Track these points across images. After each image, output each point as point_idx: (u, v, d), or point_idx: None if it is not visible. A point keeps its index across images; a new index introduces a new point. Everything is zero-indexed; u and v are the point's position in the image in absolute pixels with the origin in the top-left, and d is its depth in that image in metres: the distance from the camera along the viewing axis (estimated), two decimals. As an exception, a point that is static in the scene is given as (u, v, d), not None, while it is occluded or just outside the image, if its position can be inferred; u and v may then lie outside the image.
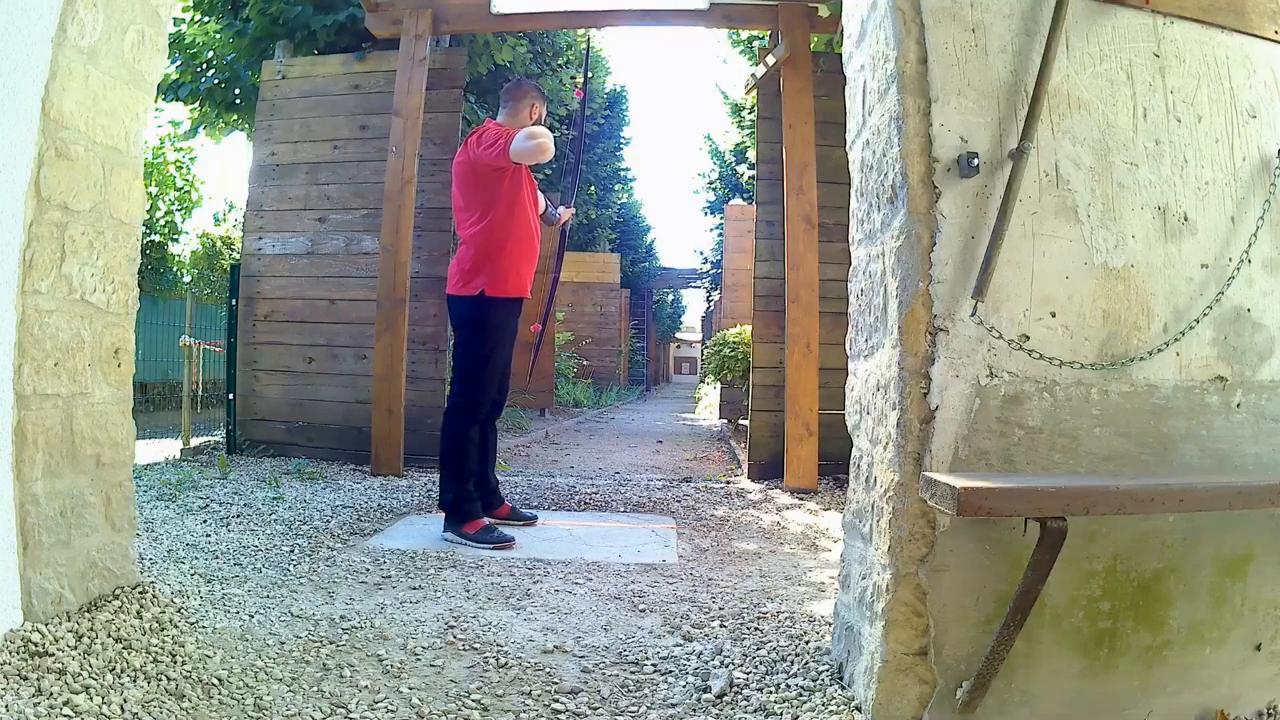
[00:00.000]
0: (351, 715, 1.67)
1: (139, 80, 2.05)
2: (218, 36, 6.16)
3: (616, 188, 18.22)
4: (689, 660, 2.03)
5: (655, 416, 12.88)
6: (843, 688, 1.82)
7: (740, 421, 7.93)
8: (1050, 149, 1.67)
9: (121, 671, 1.68)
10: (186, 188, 12.23)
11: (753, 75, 5.61)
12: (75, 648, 1.70)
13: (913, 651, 1.61)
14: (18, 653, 1.61)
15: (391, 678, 1.86)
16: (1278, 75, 1.82)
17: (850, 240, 2.04)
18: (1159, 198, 1.71)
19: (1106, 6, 1.73)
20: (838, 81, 2.20)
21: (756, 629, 2.27)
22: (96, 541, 1.95)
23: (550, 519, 3.85)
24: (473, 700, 1.77)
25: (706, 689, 1.85)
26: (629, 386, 20.00)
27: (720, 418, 9.90)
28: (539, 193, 3.63)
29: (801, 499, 4.55)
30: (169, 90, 6.23)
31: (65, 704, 1.51)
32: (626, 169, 18.59)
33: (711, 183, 15.56)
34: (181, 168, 12.11)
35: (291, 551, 2.97)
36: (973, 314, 1.60)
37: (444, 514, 3.35)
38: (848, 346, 2.02)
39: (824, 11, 4.89)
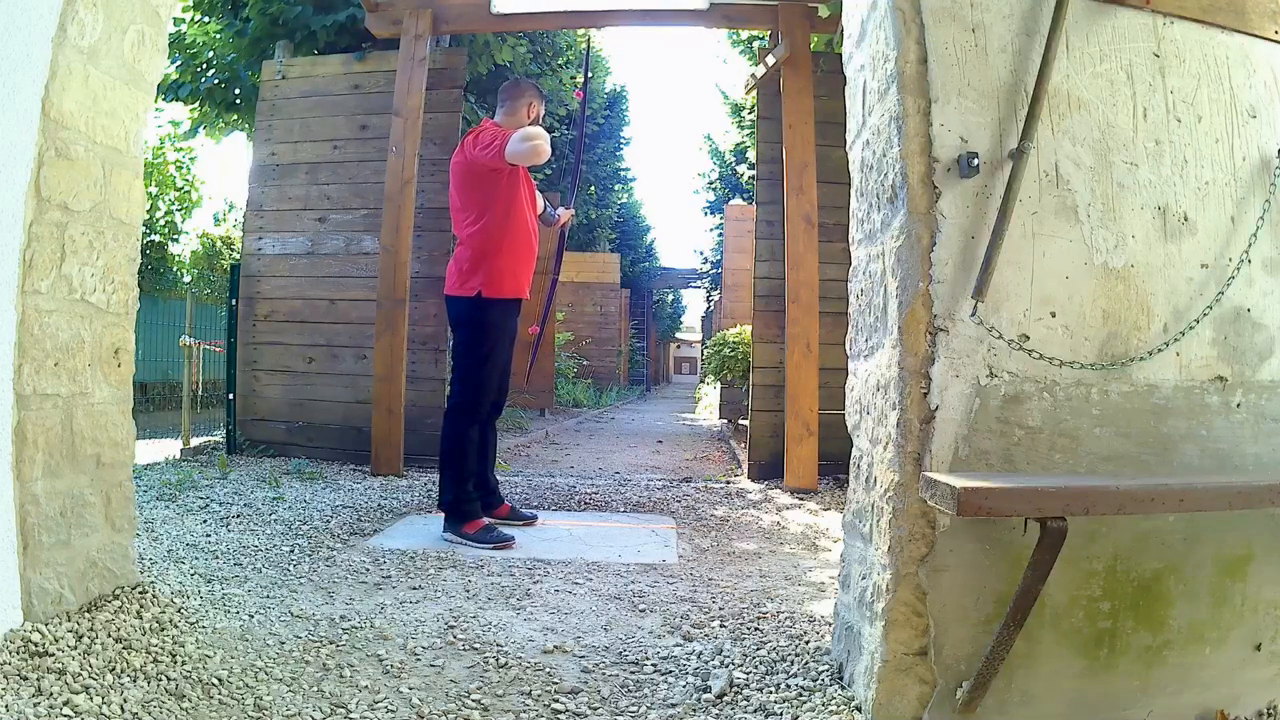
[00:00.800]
0: (351, 715, 1.67)
1: (139, 80, 2.05)
2: (218, 36, 6.16)
3: (616, 188, 18.22)
4: (689, 660, 2.03)
5: (655, 416, 12.88)
6: (843, 688, 1.82)
7: (740, 421, 7.93)
8: (1050, 149, 1.67)
9: (121, 671, 1.68)
10: (186, 188, 12.23)
11: (753, 75, 5.61)
12: (75, 648, 1.70)
13: (913, 651, 1.61)
14: (18, 653, 1.61)
15: (391, 678, 1.86)
16: (1278, 75, 1.82)
17: (850, 240, 2.04)
18: (1159, 198, 1.71)
19: (1106, 6, 1.73)
20: (838, 81, 2.20)
21: (756, 629, 2.27)
22: (96, 541, 1.95)
23: (550, 519, 3.85)
24: (473, 700, 1.77)
25: (706, 689, 1.85)
26: (629, 386, 20.00)
27: (720, 418, 9.90)
28: (538, 193, 3.62)
29: (801, 499, 4.55)
30: (169, 90, 6.23)
31: (65, 704, 1.51)
32: (626, 169, 18.60)
33: (711, 183, 15.56)
34: (181, 168, 12.12)
35: (291, 551, 2.97)
36: (973, 314, 1.60)
37: (444, 514, 3.34)
38: (848, 346, 2.02)
39: (824, 11, 4.89)
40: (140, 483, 3.90)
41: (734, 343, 8.24)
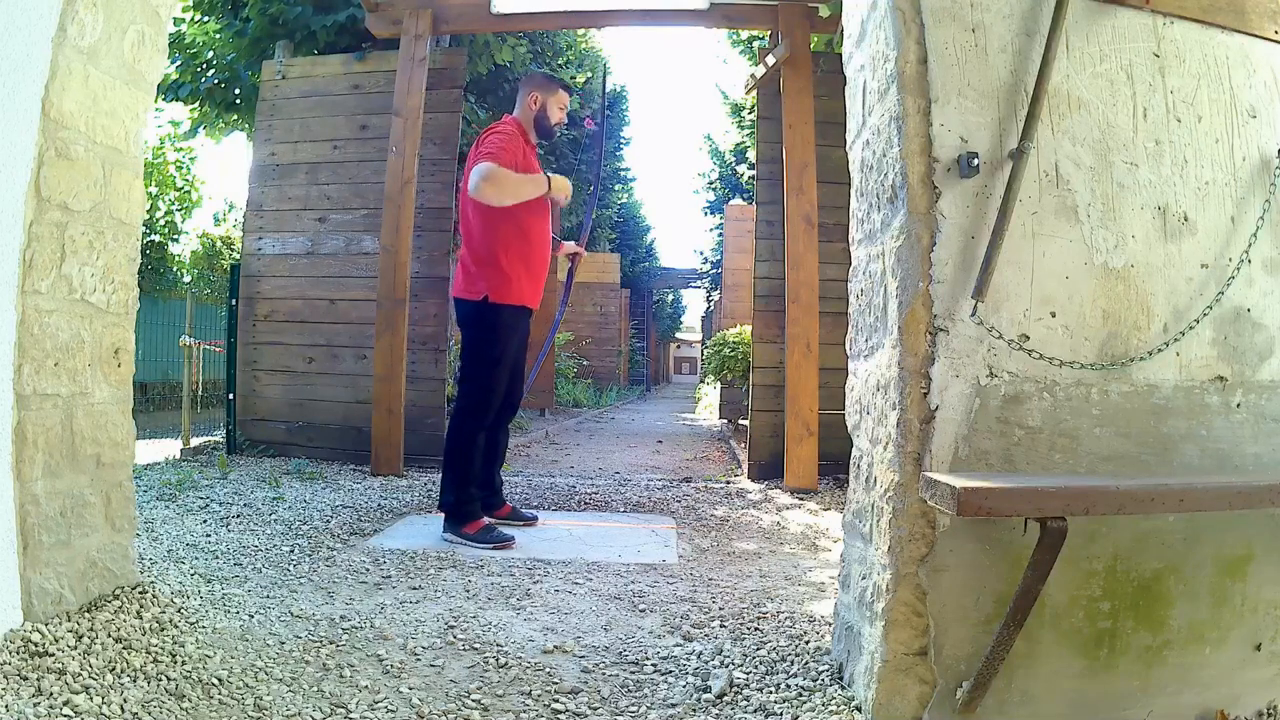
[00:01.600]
0: (351, 715, 1.67)
1: (139, 80, 2.05)
2: (218, 36, 6.16)
3: (616, 188, 18.21)
4: (689, 660, 2.03)
5: (655, 416, 12.88)
6: (843, 688, 1.82)
7: (740, 421, 7.93)
8: (1050, 149, 1.67)
9: (121, 671, 1.68)
10: (186, 188, 12.24)
11: (753, 75, 5.61)
12: (75, 648, 1.70)
13: (913, 651, 1.61)
14: (18, 653, 1.61)
15: (391, 678, 1.86)
16: (1278, 75, 1.82)
17: (850, 240, 2.04)
18: (1159, 198, 1.71)
19: (1106, 6, 1.73)
20: (838, 81, 2.20)
21: (756, 629, 2.27)
22: (96, 541, 1.95)
23: (550, 519, 3.85)
24: (473, 700, 1.77)
25: (706, 689, 1.85)
26: (629, 386, 20.00)
27: (720, 418, 9.90)
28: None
29: (801, 499, 4.55)
30: (169, 90, 6.24)
31: (65, 704, 1.51)
32: (626, 169, 18.59)
33: (711, 183, 15.56)
34: (181, 168, 12.13)
35: (291, 551, 2.97)
36: (973, 314, 1.60)
37: (444, 515, 3.33)
38: (848, 346, 2.02)
39: (824, 11, 4.89)
40: (140, 483, 3.90)
41: (734, 343, 8.24)
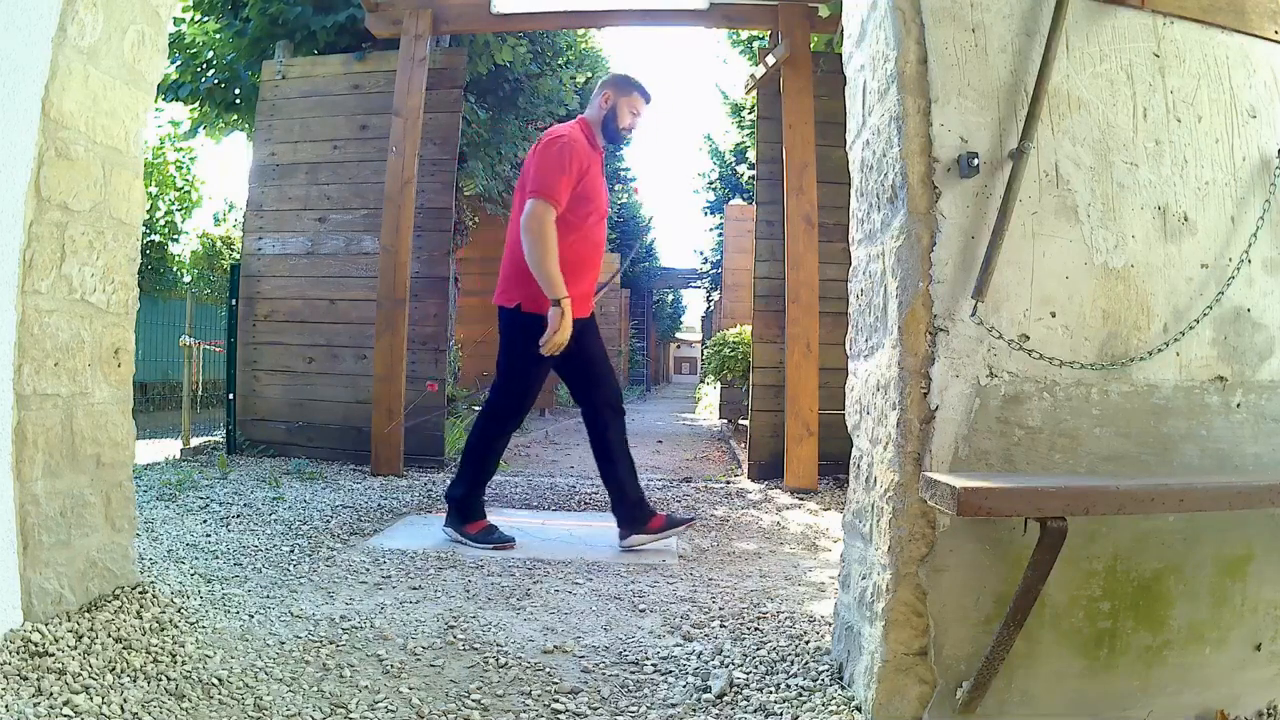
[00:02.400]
0: (351, 715, 1.67)
1: (139, 80, 2.05)
2: (218, 36, 6.16)
3: (616, 187, 18.21)
4: (689, 660, 2.03)
5: (655, 416, 12.88)
6: (843, 688, 1.82)
7: (740, 421, 7.93)
8: (1050, 149, 1.67)
9: (121, 671, 1.68)
10: (186, 188, 12.25)
11: (752, 75, 5.61)
12: (75, 648, 1.70)
13: (913, 651, 1.61)
14: (18, 653, 1.61)
15: (391, 678, 1.86)
16: (1278, 75, 1.82)
17: (850, 240, 2.04)
18: (1159, 198, 1.71)
19: (1106, 6, 1.73)
20: (838, 81, 2.20)
21: (756, 629, 2.27)
22: (96, 541, 1.95)
23: (550, 519, 3.85)
24: (473, 700, 1.77)
25: (706, 689, 1.85)
26: (629, 386, 20.00)
27: (720, 418, 9.90)
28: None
29: (801, 499, 4.55)
30: (169, 90, 6.23)
31: (65, 704, 1.51)
32: (626, 169, 18.58)
33: (711, 183, 15.55)
34: (181, 168, 12.13)
35: (291, 551, 2.97)
36: (973, 314, 1.60)
37: (449, 508, 3.31)
38: (848, 346, 2.02)
39: (824, 11, 4.89)
40: (140, 483, 3.90)
41: (734, 343, 8.24)
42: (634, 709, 1.77)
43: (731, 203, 14.13)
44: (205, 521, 3.34)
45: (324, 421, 5.19)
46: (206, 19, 6.33)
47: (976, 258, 1.62)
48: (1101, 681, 1.62)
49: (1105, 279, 1.67)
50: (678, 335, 39.38)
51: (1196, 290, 1.71)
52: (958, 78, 1.67)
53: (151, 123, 3.94)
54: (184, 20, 6.32)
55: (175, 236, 12.17)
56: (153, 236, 11.22)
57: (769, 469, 5.10)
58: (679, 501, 4.36)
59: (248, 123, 6.30)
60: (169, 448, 5.50)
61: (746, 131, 11.05)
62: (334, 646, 2.01)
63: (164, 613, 1.99)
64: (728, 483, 5.10)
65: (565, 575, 2.82)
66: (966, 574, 1.59)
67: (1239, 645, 1.67)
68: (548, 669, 1.96)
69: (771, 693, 1.82)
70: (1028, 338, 1.63)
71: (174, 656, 1.81)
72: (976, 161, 1.63)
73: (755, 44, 7.37)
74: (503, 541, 3.19)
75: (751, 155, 9.12)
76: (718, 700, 1.79)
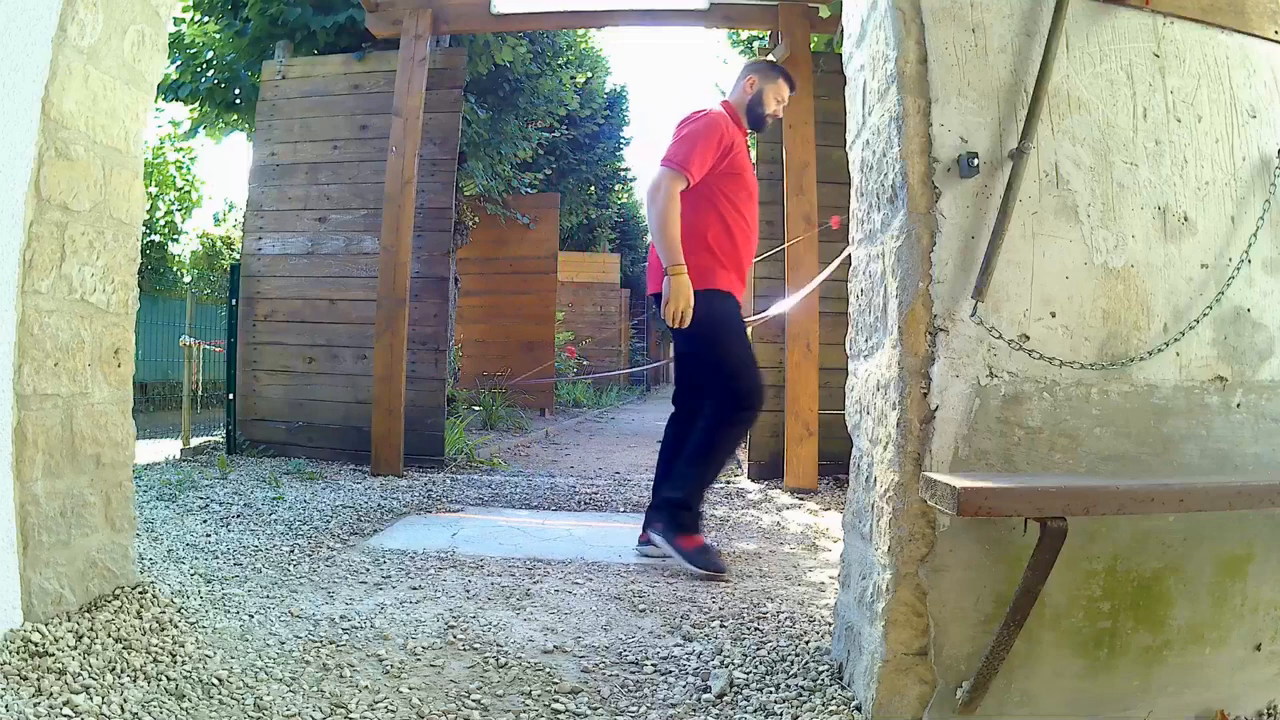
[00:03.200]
0: (351, 715, 1.67)
1: (139, 80, 2.05)
2: (218, 36, 6.16)
3: (616, 188, 18.21)
4: (689, 660, 2.03)
5: (655, 416, 12.86)
6: (843, 688, 1.82)
7: (740, 421, 7.91)
8: (1050, 149, 1.67)
9: (121, 671, 1.68)
10: (186, 188, 12.26)
11: (753, 75, 5.60)
12: (75, 648, 1.70)
13: (913, 651, 1.61)
14: (18, 653, 1.61)
15: (391, 678, 1.86)
16: (1278, 75, 1.82)
17: (850, 240, 2.04)
18: (1159, 198, 1.71)
19: (1107, 6, 1.73)
20: (838, 81, 2.20)
21: (756, 629, 2.27)
22: (96, 541, 1.95)
23: (550, 519, 3.85)
24: (473, 700, 1.77)
25: (706, 689, 1.85)
26: (629, 386, 19.98)
27: (720, 418, 9.87)
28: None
29: (801, 499, 4.55)
30: (169, 90, 6.23)
31: (65, 704, 1.51)
32: (626, 169, 18.58)
33: (711, 183, 15.52)
34: (181, 168, 12.14)
35: (291, 551, 2.97)
36: (973, 314, 1.60)
37: (663, 515, 2.97)
38: (848, 346, 2.02)
39: (824, 11, 4.89)
40: (140, 483, 3.90)
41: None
42: (634, 709, 1.77)
43: (731, 203, 14.09)
44: (205, 521, 3.34)
45: (324, 421, 5.19)
46: (206, 19, 6.33)
47: (976, 258, 1.62)
48: (1101, 681, 1.62)
49: (1105, 279, 1.67)
50: (678, 335, 39.27)
51: (1196, 290, 1.71)
52: (958, 78, 1.67)
53: (151, 123, 3.94)
54: (184, 20, 6.32)
55: (175, 236, 12.18)
56: (153, 236, 11.22)
57: (769, 469, 5.10)
58: (679, 501, 4.36)
59: (248, 123, 6.30)
60: (169, 448, 5.50)
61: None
62: (334, 646, 2.01)
63: (164, 613, 1.99)
64: (728, 483, 5.10)
65: (565, 575, 2.82)
66: (966, 574, 1.59)
67: (1239, 645, 1.67)
68: (548, 669, 1.96)
69: (771, 693, 1.82)
70: (1028, 338, 1.63)
71: (174, 656, 1.81)
72: (976, 161, 1.63)
73: (755, 44, 7.37)
74: (716, 569, 2.83)
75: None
76: (718, 700, 1.79)
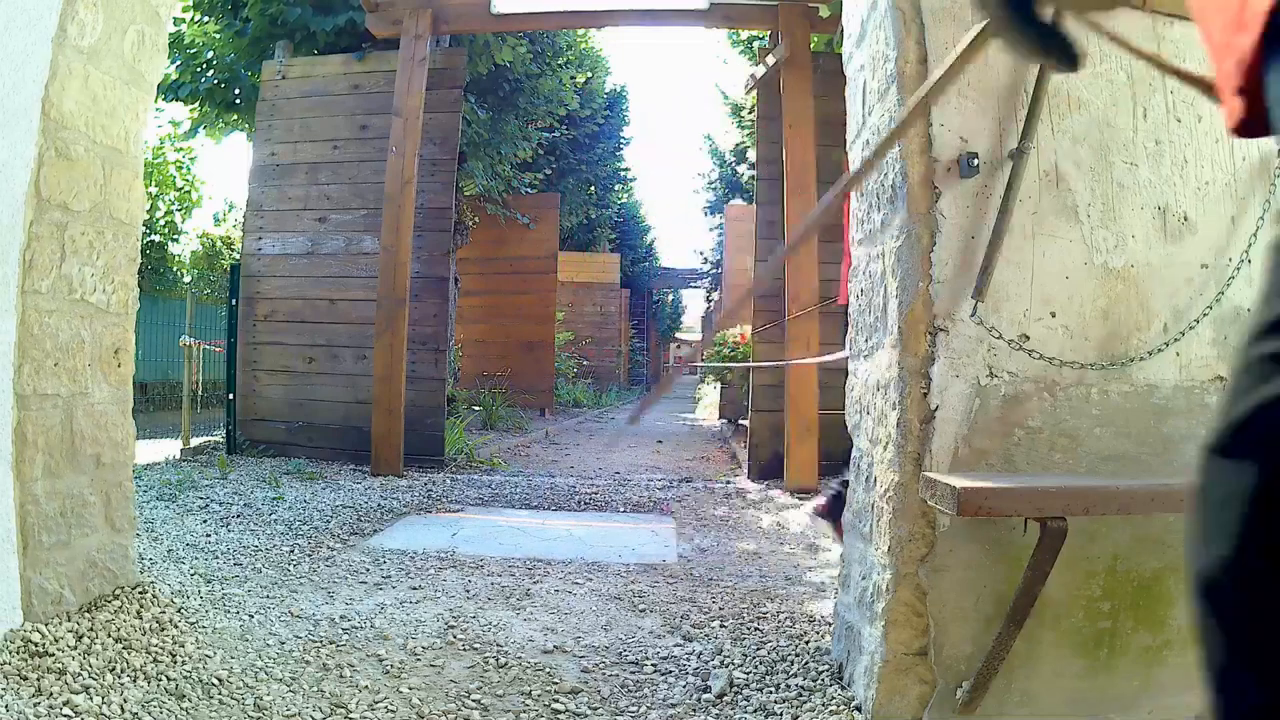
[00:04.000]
0: (351, 715, 1.67)
1: (139, 80, 2.05)
2: (217, 36, 6.16)
3: (616, 188, 18.21)
4: (689, 660, 2.03)
5: (655, 416, 12.87)
6: (843, 688, 1.82)
7: (740, 421, 7.93)
8: (1050, 149, 1.67)
9: (121, 671, 1.68)
10: (186, 188, 12.25)
11: (753, 75, 5.61)
12: (75, 648, 1.70)
13: (913, 651, 1.61)
14: (18, 653, 1.61)
15: (391, 678, 1.86)
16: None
17: (850, 240, 2.03)
18: (1159, 198, 1.71)
19: (1106, 6, 1.72)
20: (838, 81, 2.20)
21: (756, 629, 2.27)
22: (96, 541, 1.95)
23: (550, 519, 3.85)
24: (473, 700, 1.77)
25: (706, 689, 1.85)
26: (629, 386, 19.99)
27: (720, 418, 9.90)
28: None
29: (801, 499, 4.55)
30: (169, 90, 6.23)
31: (65, 704, 1.51)
32: (626, 169, 18.58)
33: (711, 183, 15.57)
34: (181, 168, 12.13)
35: (291, 551, 2.97)
36: (973, 314, 1.60)
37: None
38: (848, 346, 2.02)
39: (824, 11, 4.89)
40: (140, 483, 3.89)
41: (734, 343, 8.24)
42: (634, 709, 1.77)
43: (732, 203, 14.14)
44: (205, 521, 3.34)
45: (324, 421, 5.19)
46: (206, 19, 6.33)
47: (976, 258, 1.61)
48: (1101, 681, 1.62)
49: (1105, 279, 1.67)
50: (678, 335, 39.37)
51: (1196, 290, 1.71)
52: (958, 78, 1.66)
53: (151, 123, 3.93)
54: (184, 20, 6.32)
55: (175, 236, 12.17)
56: (153, 236, 11.22)
57: (769, 469, 5.10)
58: (679, 502, 4.36)
59: (248, 123, 6.30)
60: (169, 448, 5.50)
61: (746, 131, 11.05)
62: (334, 646, 2.01)
63: (164, 613, 1.99)
64: (728, 483, 5.10)
65: (565, 575, 2.82)
66: (966, 574, 1.59)
67: (1239, 645, 1.67)
68: (548, 669, 1.96)
69: (771, 693, 1.82)
70: (1028, 338, 1.63)
71: (174, 656, 1.81)
72: (976, 162, 1.63)
73: (755, 44, 7.37)
74: None
75: (751, 155, 9.12)
76: (718, 700, 1.79)
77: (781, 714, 1.72)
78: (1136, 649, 1.63)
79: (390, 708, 1.71)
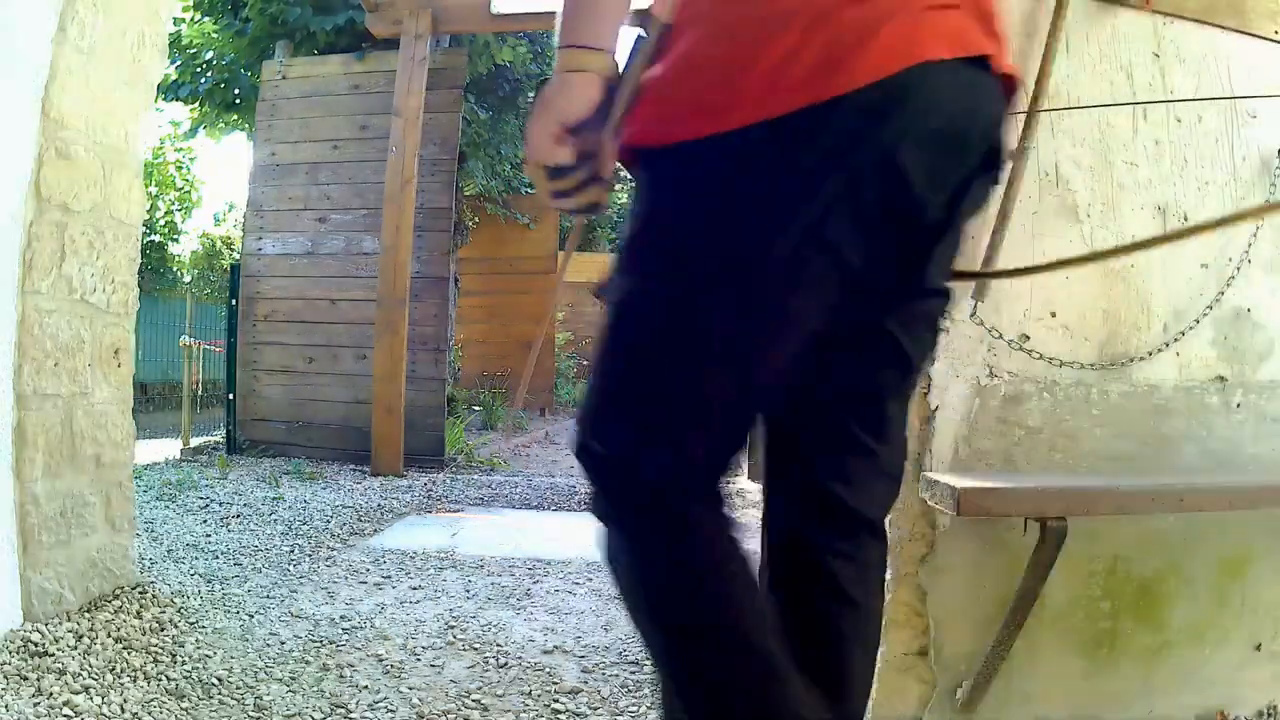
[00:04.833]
0: (351, 715, 1.67)
1: (139, 80, 2.05)
2: (217, 36, 6.17)
3: (616, 188, 18.18)
4: (689, 660, 2.03)
5: (655, 416, 12.86)
6: (843, 688, 1.81)
7: (740, 421, 7.91)
8: (1050, 149, 1.67)
9: (121, 671, 1.68)
10: (186, 188, 12.26)
11: (753, 75, 5.61)
12: (75, 648, 1.70)
13: (913, 651, 1.61)
14: (18, 653, 1.61)
15: (391, 678, 1.86)
16: (1278, 75, 1.81)
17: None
18: (1159, 197, 1.71)
19: (1106, 6, 1.72)
20: (838, 81, 2.19)
21: (756, 629, 2.27)
22: (96, 541, 1.95)
23: (550, 519, 3.85)
24: (473, 700, 1.77)
25: (706, 689, 1.85)
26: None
27: (720, 418, 9.86)
28: None
29: (801, 499, 4.54)
30: (169, 90, 6.23)
31: (65, 704, 1.51)
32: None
33: (711, 183, 15.51)
34: (181, 168, 12.14)
35: (291, 551, 2.97)
36: (973, 314, 1.60)
37: None
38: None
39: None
40: (140, 483, 3.89)
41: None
42: (634, 709, 1.77)
43: (731, 203, 14.09)
44: (205, 521, 3.34)
45: (324, 421, 5.19)
46: (206, 19, 6.33)
47: (976, 258, 1.61)
48: (1102, 681, 1.62)
49: (1105, 279, 1.67)
50: (678, 335, 39.32)
51: (1196, 290, 1.71)
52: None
53: (151, 123, 3.95)
54: (184, 20, 6.32)
55: (175, 236, 12.18)
56: (153, 236, 11.22)
57: (769, 469, 5.10)
58: (679, 501, 4.36)
59: (248, 123, 6.31)
60: (169, 448, 5.50)
61: (746, 131, 11.03)
62: (334, 646, 2.01)
63: (164, 613, 1.99)
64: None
65: (565, 575, 2.82)
66: (966, 574, 1.59)
67: (1239, 645, 1.67)
68: (548, 669, 1.96)
69: (771, 693, 1.82)
70: (1028, 338, 1.63)
71: (174, 656, 1.81)
72: (976, 161, 1.62)
73: (755, 44, 7.36)
74: None
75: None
76: (718, 700, 1.79)
77: (781, 714, 1.72)
78: (1137, 649, 1.63)
79: (390, 708, 1.71)
